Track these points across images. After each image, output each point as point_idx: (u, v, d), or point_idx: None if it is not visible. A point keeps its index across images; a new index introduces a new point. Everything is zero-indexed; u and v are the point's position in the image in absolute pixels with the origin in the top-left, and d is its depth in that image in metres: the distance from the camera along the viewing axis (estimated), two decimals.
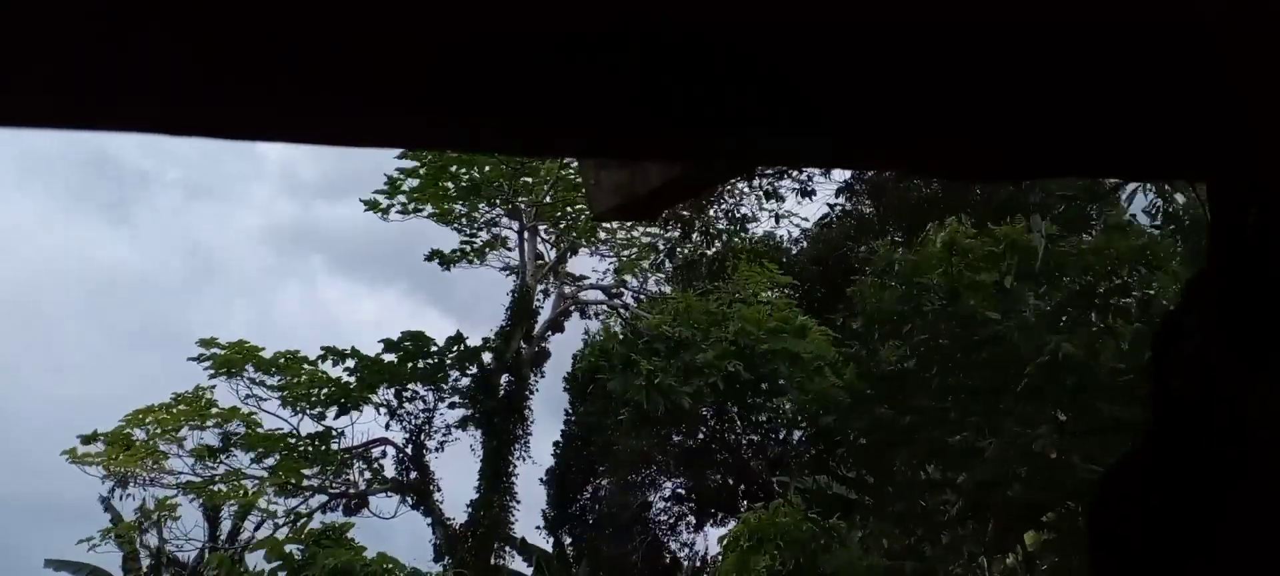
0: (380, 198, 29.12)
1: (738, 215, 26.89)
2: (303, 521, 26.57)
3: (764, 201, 26.15)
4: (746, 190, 25.85)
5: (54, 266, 51.39)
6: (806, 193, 25.03)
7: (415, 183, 29.00)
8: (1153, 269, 13.05)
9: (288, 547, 24.99)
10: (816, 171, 24.61)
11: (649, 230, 28.50)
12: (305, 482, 27.79)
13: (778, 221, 27.59)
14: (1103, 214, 15.99)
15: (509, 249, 30.41)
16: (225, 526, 28.33)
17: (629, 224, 27.48)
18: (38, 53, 1.20)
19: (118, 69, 1.25)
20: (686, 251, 27.95)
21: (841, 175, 26.33)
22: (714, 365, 23.23)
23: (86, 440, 26.63)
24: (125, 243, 56.05)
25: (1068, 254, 13.25)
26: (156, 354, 50.92)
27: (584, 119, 1.49)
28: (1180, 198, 14.46)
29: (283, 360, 27.98)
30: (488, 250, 30.10)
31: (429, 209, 29.28)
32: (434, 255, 29.74)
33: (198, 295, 50.64)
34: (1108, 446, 12.17)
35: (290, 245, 54.57)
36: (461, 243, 29.96)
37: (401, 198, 29.07)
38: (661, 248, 29.38)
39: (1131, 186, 15.61)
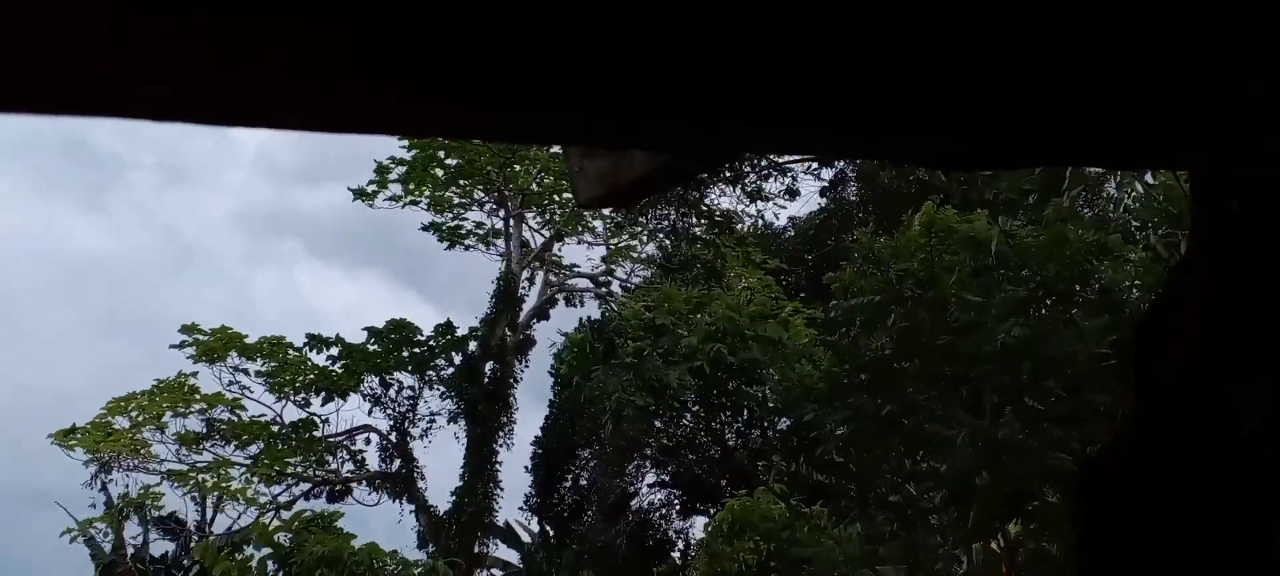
0: (368, 187, 29.12)
1: (720, 215, 26.95)
2: (296, 511, 26.51)
3: (750, 204, 26.26)
4: (728, 189, 25.93)
5: (27, 251, 51.06)
6: (793, 193, 25.16)
7: (402, 171, 28.99)
8: (1110, 258, 13.11)
9: (276, 536, 24.92)
10: (802, 171, 24.72)
11: (634, 222, 28.53)
12: (289, 470, 27.75)
13: (763, 220, 27.71)
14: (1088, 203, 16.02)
15: (494, 237, 30.39)
16: (210, 514, 28.31)
17: (616, 213, 27.49)
18: (38, 39, 1.21)
19: (116, 57, 1.25)
20: (676, 251, 27.98)
21: (827, 174, 26.51)
22: (699, 349, 23.27)
23: (66, 434, 26.46)
24: (100, 228, 55.80)
25: (1029, 245, 13.28)
26: (132, 340, 50.72)
27: (574, 112, 1.50)
28: (1139, 186, 14.51)
29: (266, 346, 27.92)
30: (487, 239, 30.06)
31: (418, 197, 29.29)
32: (430, 227, 29.66)
33: (173, 280, 50.52)
34: (1073, 435, 12.26)
35: (267, 230, 54.48)
36: (450, 225, 29.91)
37: (391, 187, 29.10)
38: (644, 244, 29.43)
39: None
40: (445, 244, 29.94)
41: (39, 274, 50.50)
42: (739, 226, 27.76)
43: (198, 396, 27.48)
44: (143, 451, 26.80)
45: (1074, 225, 13.43)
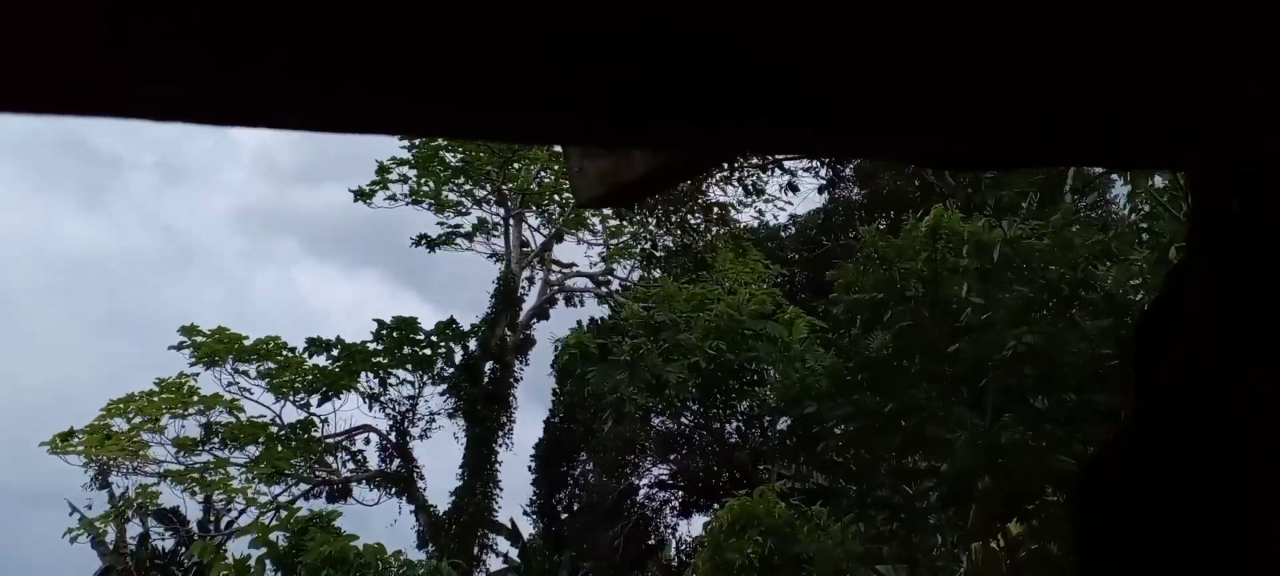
0: (368, 187, 29.18)
1: (718, 210, 27.00)
2: (292, 509, 26.47)
3: (747, 195, 26.29)
4: (729, 186, 25.98)
5: (27, 250, 51.06)
6: (793, 187, 25.19)
7: (405, 171, 29.08)
8: (1115, 261, 13.09)
9: (273, 535, 24.89)
10: (801, 166, 24.76)
11: (634, 220, 28.57)
12: (288, 471, 27.73)
13: (761, 214, 27.75)
14: (1087, 203, 16.01)
15: (495, 236, 30.39)
16: (210, 513, 28.30)
17: (616, 212, 27.56)
18: (39, 39, 1.21)
19: (116, 57, 1.25)
20: (672, 242, 28.03)
21: (826, 172, 26.56)
22: (698, 346, 23.26)
23: (65, 437, 26.40)
24: (99, 226, 55.78)
25: (1033, 248, 13.25)
26: (130, 339, 50.79)
27: (574, 112, 1.50)
28: (1159, 180, 14.46)
29: (264, 347, 27.89)
30: (475, 234, 30.09)
31: (422, 197, 29.36)
32: (421, 239, 29.75)
33: (172, 279, 50.54)
34: (1076, 436, 12.25)
35: (265, 229, 54.52)
36: (448, 228, 29.97)
37: (391, 187, 29.16)
38: (644, 239, 29.45)
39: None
40: (428, 249, 30.00)
41: (38, 272, 50.49)
42: (735, 223, 27.80)
43: (196, 398, 27.44)
44: (141, 453, 26.77)
45: (1079, 228, 13.42)
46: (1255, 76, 1.43)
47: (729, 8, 1.28)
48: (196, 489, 27.47)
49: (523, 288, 30.04)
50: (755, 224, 28.71)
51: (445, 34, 1.26)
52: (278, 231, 56.52)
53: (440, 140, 28.20)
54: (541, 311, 30.43)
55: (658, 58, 1.33)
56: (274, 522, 25.87)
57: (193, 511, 28.54)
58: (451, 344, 28.91)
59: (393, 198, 29.31)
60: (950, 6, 1.31)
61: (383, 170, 28.97)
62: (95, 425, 26.64)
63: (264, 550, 24.15)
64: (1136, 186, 14.30)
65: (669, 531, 28.39)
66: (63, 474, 26.34)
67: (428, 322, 29.08)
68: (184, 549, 27.89)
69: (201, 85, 1.33)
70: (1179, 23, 1.34)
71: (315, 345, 28.06)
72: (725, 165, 23.30)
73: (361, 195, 29.20)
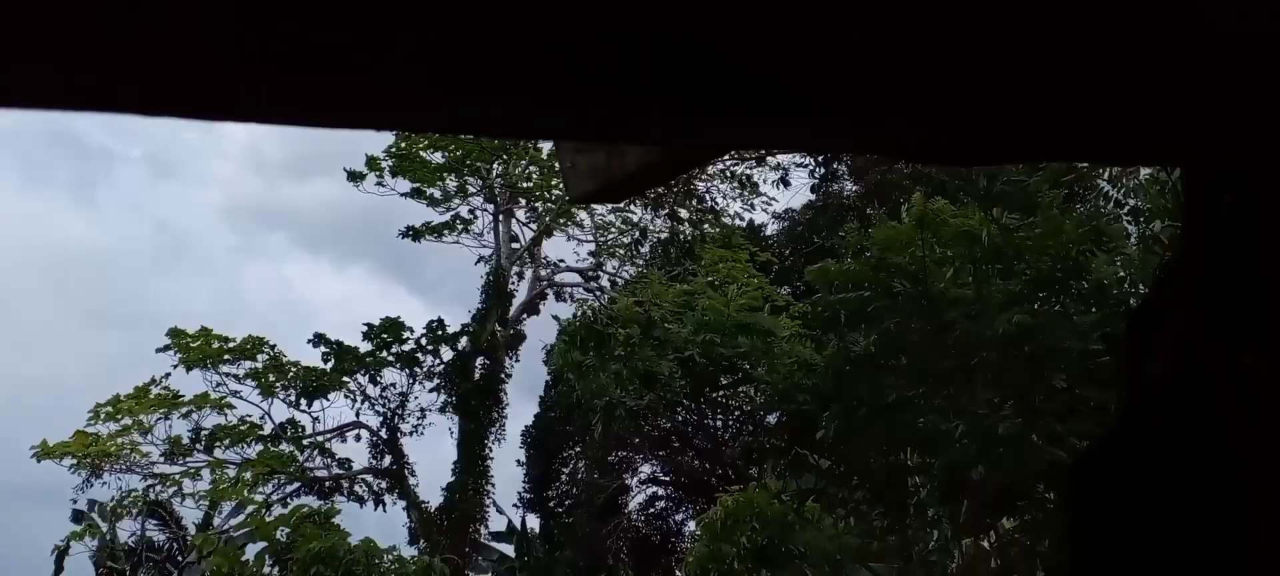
0: (360, 170, 29.15)
1: (708, 205, 26.99)
2: (294, 508, 26.37)
3: (739, 191, 26.30)
4: (719, 183, 25.99)
5: (15, 245, 50.85)
6: (785, 182, 25.23)
7: (393, 162, 29.04)
8: (1105, 250, 13.08)
9: (277, 531, 24.81)
10: (794, 161, 24.79)
11: (624, 213, 28.56)
12: (279, 469, 27.62)
13: (750, 207, 27.77)
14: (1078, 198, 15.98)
15: (485, 239, 30.33)
16: (199, 515, 28.25)
17: (605, 206, 27.54)
18: (38, 38, 1.20)
19: (115, 56, 1.25)
20: (663, 235, 28.02)
21: (817, 166, 26.58)
22: (691, 339, 23.26)
23: (48, 451, 26.16)
24: (89, 221, 55.61)
25: (1024, 239, 13.23)
26: (121, 333, 50.66)
27: (571, 110, 1.50)
28: (1144, 172, 14.44)
29: (251, 345, 27.72)
30: (461, 227, 29.99)
31: (407, 182, 29.32)
32: (408, 232, 29.68)
33: (163, 273, 50.43)
34: (1071, 428, 12.26)
35: (255, 223, 54.43)
36: (439, 218, 29.89)
37: (382, 168, 29.13)
38: (635, 228, 29.42)
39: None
40: (414, 240, 29.95)
41: (28, 266, 50.33)
42: (726, 217, 27.82)
43: (182, 402, 27.21)
44: (132, 454, 26.61)
45: (1068, 216, 13.41)
46: (1253, 75, 1.43)
47: (729, 8, 1.28)
48: (185, 495, 27.38)
49: (512, 283, 29.99)
50: (743, 220, 28.70)
51: (444, 32, 1.26)
52: (268, 225, 56.48)
53: (426, 141, 28.26)
54: (532, 306, 30.38)
55: (657, 57, 1.33)
56: (272, 519, 25.80)
57: (187, 511, 28.50)
58: (440, 344, 28.85)
59: (383, 186, 29.32)
60: (950, 7, 1.32)
61: (373, 162, 28.98)
62: (82, 432, 26.42)
63: (264, 544, 24.11)
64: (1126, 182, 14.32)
65: (663, 528, 28.42)
66: (57, 472, 26.30)
67: (417, 315, 29.06)
68: (176, 546, 27.81)
69: (200, 83, 1.33)
70: (1178, 23, 1.34)
71: (322, 342, 28.00)
72: (718, 160, 23.32)
73: (355, 177, 29.18)
